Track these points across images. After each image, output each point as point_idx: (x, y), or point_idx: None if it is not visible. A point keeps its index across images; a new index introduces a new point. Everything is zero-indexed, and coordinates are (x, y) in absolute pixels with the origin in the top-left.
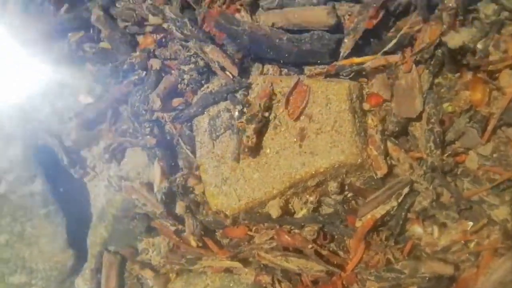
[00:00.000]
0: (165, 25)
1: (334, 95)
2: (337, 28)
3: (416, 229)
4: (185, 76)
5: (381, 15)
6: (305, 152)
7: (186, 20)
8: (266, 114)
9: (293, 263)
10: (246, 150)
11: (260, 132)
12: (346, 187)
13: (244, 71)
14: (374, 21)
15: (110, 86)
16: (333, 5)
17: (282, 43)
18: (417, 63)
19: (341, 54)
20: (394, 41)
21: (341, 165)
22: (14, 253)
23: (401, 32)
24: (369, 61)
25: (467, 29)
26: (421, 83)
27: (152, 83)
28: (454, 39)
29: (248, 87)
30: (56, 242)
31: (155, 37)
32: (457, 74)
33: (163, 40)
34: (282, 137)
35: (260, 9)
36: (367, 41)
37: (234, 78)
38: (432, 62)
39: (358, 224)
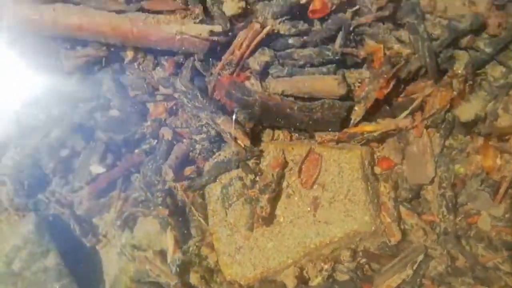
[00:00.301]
0: (176, 95)
1: (346, 163)
2: (348, 95)
3: None
4: (197, 146)
5: (391, 85)
6: (319, 221)
7: (197, 92)
8: (279, 184)
9: None
10: (260, 220)
11: (274, 202)
12: (360, 253)
13: (255, 137)
14: (385, 91)
15: (121, 155)
16: (342, 73)
17: (293, 113)
18: (427, 126)
19: (352, 121)
20: (406, 112)
21: (355, 234)
22: None
23: (413, 106)
24: (380, 130)
25: (476, 94)
26: (432, 147)
27: (164, 153)
28: (466, 113)
29: (260, 155)
30: None
31: (166, 105)
32: (468, 137)
33: (174, 107)
34: (296, 206)
35: (269, 76)
36: (377, 106)
37: (245, 147)
38: (442, 126)
39: None
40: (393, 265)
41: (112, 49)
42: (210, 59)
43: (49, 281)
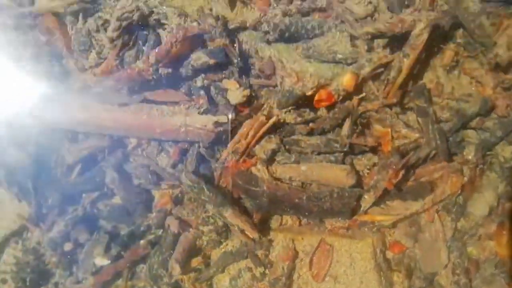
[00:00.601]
0: (182, 186)
1: (358, 253)
2: (357, 182)
3: None
4: (204, 238)
5: (401, 175)
6: None
7: (202, 185)
8: (290, 277)
9: None
10: None
11: None
12: None
13: (263, 224)
14: (394, 181)
15: (126, 246)
16: (351, 162)
17: (302, 202)
18: (438, 210)
19: (362, 209)
20: (417, 206)
21: None
22: None
23: (425, 201)
24: (391, 220)
25: (488, 179)
26: (444, 231)
27: (170, 243)
28: (480, 209)
29: (269, 245)
30: None
31: (171, 193)
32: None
33: (179, 195)
34: None
35: (276, 163)
36: (387, 192)
37: (254, 239)
38: (454, 210)
39: None
40: None
41: (115, 137)
42: (215, 146)
43: None
